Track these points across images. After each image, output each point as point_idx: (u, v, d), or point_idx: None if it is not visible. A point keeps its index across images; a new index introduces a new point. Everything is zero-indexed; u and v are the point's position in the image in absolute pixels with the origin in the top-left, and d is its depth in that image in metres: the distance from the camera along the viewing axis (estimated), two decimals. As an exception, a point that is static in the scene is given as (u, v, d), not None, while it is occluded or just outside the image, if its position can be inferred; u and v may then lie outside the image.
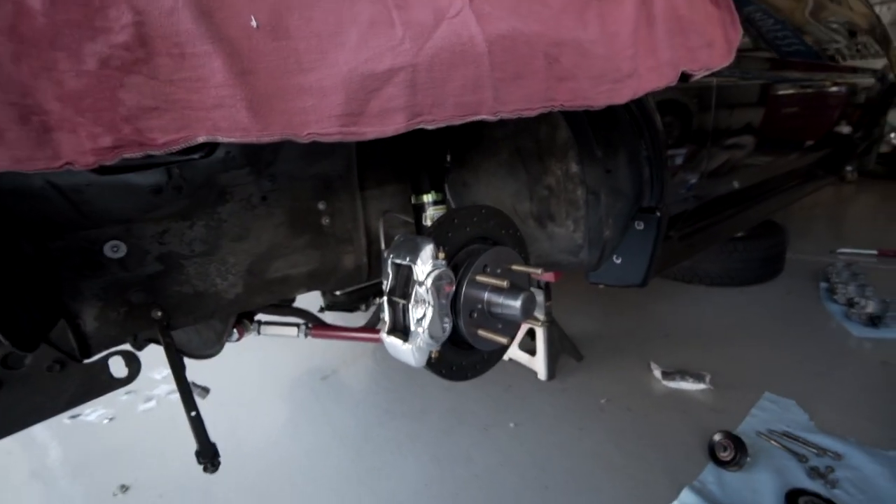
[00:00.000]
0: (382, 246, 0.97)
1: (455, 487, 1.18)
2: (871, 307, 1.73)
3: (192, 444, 1.43)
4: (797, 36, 1.66)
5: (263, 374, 1.85)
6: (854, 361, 1.56)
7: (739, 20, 1.05)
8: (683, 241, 1.30)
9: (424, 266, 0.74)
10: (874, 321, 1.71)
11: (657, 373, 1.54)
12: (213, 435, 0.79)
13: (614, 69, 0.74)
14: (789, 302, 2.04)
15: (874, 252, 2.44)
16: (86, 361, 0.78)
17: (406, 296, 0.76)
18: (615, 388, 1.52)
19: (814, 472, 1.09)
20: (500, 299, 0.82)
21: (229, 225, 0.89)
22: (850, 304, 1.84)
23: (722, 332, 1.82)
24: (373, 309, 1.24)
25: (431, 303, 0.74)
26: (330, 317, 1.27)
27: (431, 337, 0.75)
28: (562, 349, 1.68)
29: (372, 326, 1.12)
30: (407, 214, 1.03)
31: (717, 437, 1.17)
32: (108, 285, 0.78)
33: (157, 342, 0.88)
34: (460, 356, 0.88)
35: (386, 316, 0.80)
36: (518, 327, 0.92)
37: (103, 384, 0.80)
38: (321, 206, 1.00)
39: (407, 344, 0.76)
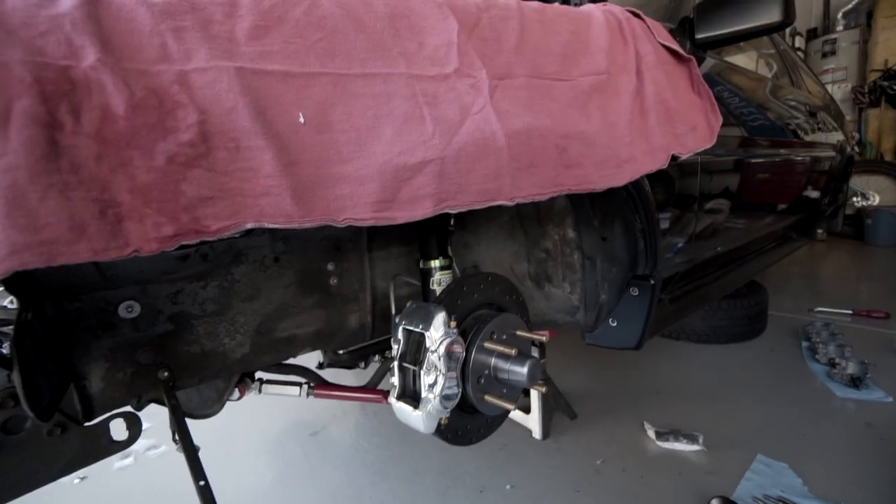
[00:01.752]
0: (393, 310, 0.99)
1: (452, 557, 1.14)
2: (851, 368, 1.80)
3: (177, 508, 1.35)
4: (761, 112, 1.82)
5: (250, 428, 1.78)
6: (840, 423, 1.59)
7: (718, 108, 1.17)
8: (674, 304, 1.35)
9: (437, 334, 0.76)
10: (855, 382, 1.77)
11: (651, 433, 1.54)
12: (196, 500, 0.76)
13: (614, 156, 0.81)
14: (774, 360, 2.10)
15: (849, 312, 2.55)
16: (87, 424, 0.77)
17: (417, 362, 0.78)
18: (610, 448, 1.52)
19: (811, 542, 1.09)
20: (506, 365, 0.84)
21: (242, 285, 0.90)
22: (832, 364, 1.90)
23: (711, 390, 1.85)
24: (374, 366, 1.24)
25: (443, 370, 0.76)
26: (327, 373, 1.27)
27: (442, 404, 0.77)
28: (556, 407, 1.67)
29: (373, 386, 1.12)
30: (413, 276, 1.06)
31: (714, 503, 1.17)
32: (117, 345, 0.78)
33: (160, 402, 0.87)
34: (465, 421, 0.89)
35: (396, 381, 0.81)
36: (521, 392, 0.94)
37: (103, 448, 0.78)
38: (330, 266, 1.04)
39: (417, 410, 0.77)
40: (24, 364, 0.53)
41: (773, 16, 1.24)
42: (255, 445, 1.69)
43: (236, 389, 1.00)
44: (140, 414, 0.84)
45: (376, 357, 1.27)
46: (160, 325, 0.82)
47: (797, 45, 5.45)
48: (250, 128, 0.49)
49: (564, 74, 0.81)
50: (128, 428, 0.81)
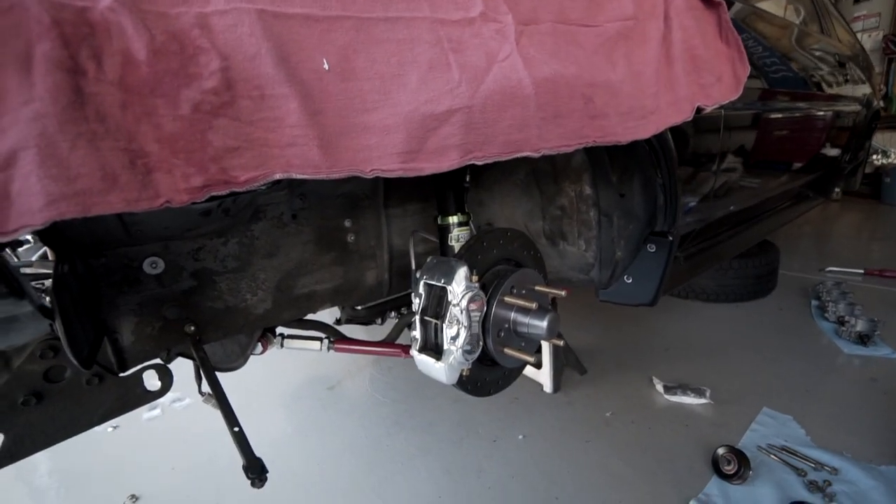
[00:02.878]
0: (412, 266, 1.00)
1: (468, 500, 1.21)
2: (860, 326, 1.81)
3: (200, 455, 1.43)
4: (784, 63, 1.73)
5: (268, 383, 1.85)
6: (845, 378, 1.62)
7: (746, 56, 1.11)
8: (689, 261, 1.35)
9: (459, 288, 0.77)
10: (863, 339, 1.78)
11: (659, 387, 1.59)
12: (221, 445, 0.80)
13: (640, 107, 0.79)
14: (782, 318, 2.11)
15: (861, 271, 2.53)
16: (121, 375, 0.80)
17: (439, 316, 0.79)
18: (619, 401, 1.56)
19: (812, 486, 1.14)
20: (526, 319, 0.85)
21: (261, 242, 0.91)
22: (841, 322, 1.91)
23: (720, 347, 1.88)
24: (391, 322, 1.26)
25: (465, 323, 0.78)
26: (344, 329, 1.30)
27: (464, 356, 0.78)
28: (566, 362, 1.71)
29: (392, 340, 1.14)
30: (430, 233, 1.06)
31: (720, 451, 1.22)
32: (144, 301, 0.79)
33: (188, 356, 0.90)
34: (485, 373, 0.91)
35: (418, 334, 0.83)
36: (539, 345, 0.96)
37: (138, 397, 0.81)
38: (347, 223, 1.03)
39: (440, 362, 0.79)
40: (64, 314, 0.54)
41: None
42: (273, 399, 1.75)
43: (259, 344, 1.02)
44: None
45: (393, 313, 1.29)
46: (184, 281, 0.83)
47: (826, -9, 5.11)
48: (274, 75, 0.47)
49: (590, 20, 0.77)
50: (160, 378, 0.85)
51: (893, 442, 1.29)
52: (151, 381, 0.86)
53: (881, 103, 4.24)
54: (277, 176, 0.49)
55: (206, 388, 1.00)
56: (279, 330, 1.09)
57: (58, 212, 0.38)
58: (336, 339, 1.09)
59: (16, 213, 0.37)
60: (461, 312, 0.78)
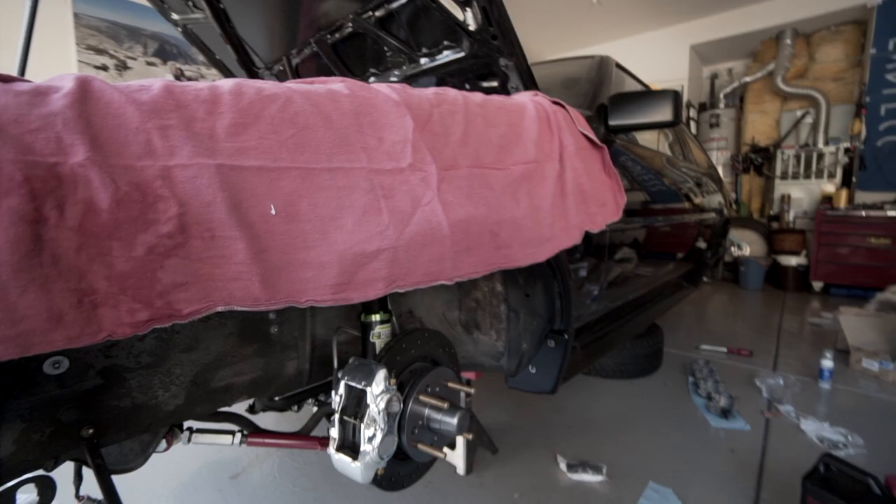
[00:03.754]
0: (335, 364, 1.04)
1: None
2: (722, 402, 2.13)
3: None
4: (658, 178, 2.15)
5: (159, 472, 1.66)
6: (713, 450, 1.88)
7: (622, 187, 1.39)
8: (585, 350, 1.54)
9: (378, 389, 0.84)
10: (725, 414, 2.09)
11: (562, 465, 1.70)
12: None
13: (538, 236, 0.96)
14: (666, 393, 2.41)
15: (724, 349, 3.00)
16: (-7, 490, 0.71)
17: (358, 416, 0.84)
18: (526, 480, 1.65)
19: (686, 559, 1.29)
20: (439, 416, 0.93)
21: (181, 336, 0.90)
22: (709, 397, 2.23)
23: (614, 423, 2.08)
24: (307, 409, 1.25)
25: (381, 425, 0.83)
26: (258, 415, 1.26)
27: (380, 455, 0.83)
28: (479, 442, 1.78)
29: (307, 432, 1.14)
30: (353, 327, 1.12)
31: (612, 531, 1.34)
32: (37, 404, 0.74)
33: (79, 461, 0.83)
34: (399, 467, 0.96)
35: (335, 434, 0.86)
36: (450, 439, 1.03)
37: (9, 517, 0.73)
38: (272, 315, 1.06)
39: (356, 462, 0.82)
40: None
41: (666, 116, 1.52)
42: (166, 492, 1.58)
43: (164, 440, 0.97)
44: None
45: (311, 400, 1.29)
46: (89, 380, 0.79)
47: (692, 115, 6.38)
48: (226, 219, 0.54)
49: (500, 163, 0.95)
50: (39, 493, 0.77)
51: (747, 510, 1.50)
52: (27, 495, 0.77)
53: (734, 207, 5.25)
54: (219, 308, 0.54)
55: (85, 491, 0.92)
56: (187, 423, 1.05)
57: None
58: (250, 431, 1.06)
59: None
60: (379, 414, 0.83)
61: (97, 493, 1.05)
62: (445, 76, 1.57)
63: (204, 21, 2.04)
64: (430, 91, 0.92)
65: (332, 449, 0.86)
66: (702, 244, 2.94)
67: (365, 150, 0.71)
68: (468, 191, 0.83)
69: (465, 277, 0.79)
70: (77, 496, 0.94)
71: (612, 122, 1.58)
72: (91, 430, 0.79)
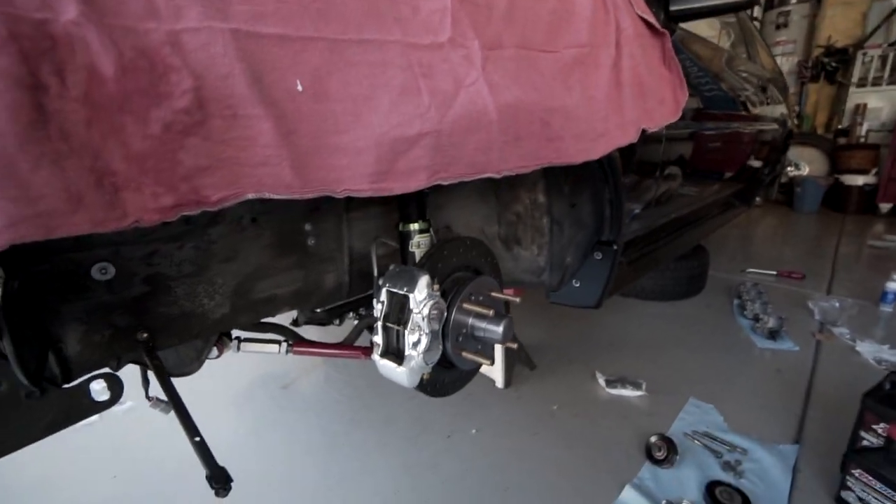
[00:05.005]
0: (375, 272, 1.02)
1: (424, 494, 1.26)
2: (771, 323, 2.04)
3: (145, 462, 1.37)
4: (716, 83, 1.90)
5: (220, 382, 1.79)
6: (757, 369, 1.83)
7: (686, 83, 1.22)
8: (631, 266, 1.46)
9: (420, 296, 0.80)
10: (773, 335, 2.02)
11: (601, 381, 1.71)
12: (175, 448, 0.79)
13: (591, 129, 0.85)
14: (709, 315, 2.34)
15: (774, 273, 2.84)
16: (65, 386, 0.76)
17: (401, 322, 0.82)
18: (565, 395, 1.67)
19: (726, 466, 1.30)
20: (483, 324, 0.90)
21: (219, 246, 0.89)
22: (756, 319, 2.15)
23: (654, 343, 2.05)
24: (349, 322, 1.27)
25: (426, 330, 0.81)
26: (301, 329, 1.29)
27: (425, 360, 0.82)
28: (517, 358, 1.80)
29: (350, 343, 1.15)
30: (391, 238, 1.08)
31: (652, 439, 1.35)
32: (92, 308, 0.76)
33: (140, 363, 0.87)
34: (443, 375, 0.95)
35: (379, 340, 0.85)
36: (494, 348, 1.01)
37: (84, 408, 0.78)
38: (308, 227, 1.03)
39: (402, 367, 0.82)
40: (14, 333, 0.52)
41: (740, -3, 1.28)
42: (225, 399, 1.71)
43: (214, 348, 1.00)
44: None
45: (351, 314, 1.30)
46: (136, 287, 0.80)
47: (755, 14, 5.58)
48: (247, 95, 0.48)
49: (550, 46, 0.82)
50: (109, 388, 0.81)
51: (790, 424, 1.48)
52: (99, 389, 0.82)
53: (795, 122, 4.74)
54: (250, 195, 0.49)
55: (153, 392, 0.98)
56: (235, 333, 1.07)
57: (18, 234, 0.37)
58: (294, 341, 1.08)
59: None
60: (423, 320, 0.81)
61: (155, 391, 1.13)
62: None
63: None
64: None
65: (376, 355, 0.85)
66: (757, 160, 2.67)
67: (398, 22, 0.61)
68: (515, 73, 0.72)
69: (513, 171, 0.71)
70: (147, 397, 1.00)
71: (674, 7, 1.35)
72: (145, 335, 0.81)
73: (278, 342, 1.07)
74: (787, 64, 5.54)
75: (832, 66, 5.11)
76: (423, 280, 0.81)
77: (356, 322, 1.21)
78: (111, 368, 0.83)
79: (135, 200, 0.43)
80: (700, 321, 2.27)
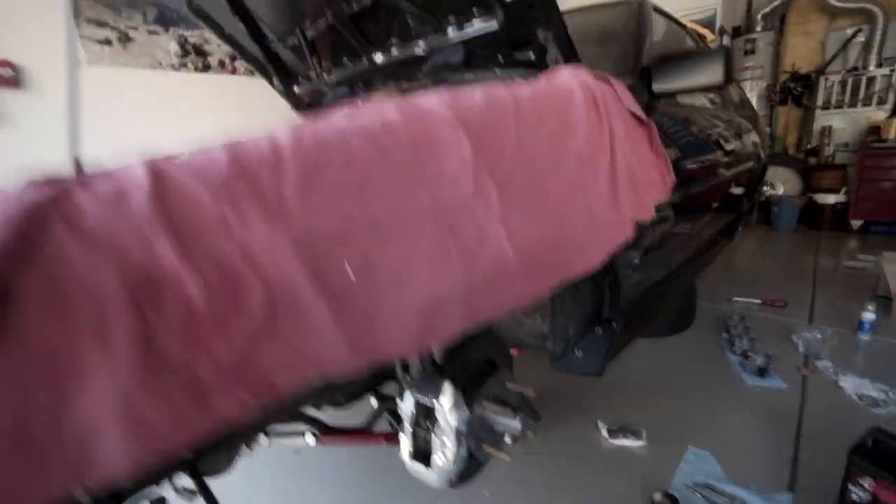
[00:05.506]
0: (398, 371, 1.08)
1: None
2: (759, 361, 2.15)
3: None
4: (686, 127, 2.00)
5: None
6: (748, 410, 1.92)
7: (670, 163, 1.33)
8: (628, 329, 1.55)
9: (447, 405, 0.87)
10: (761, 372, 2.12)
11: (604, 431, 1.78)
12: None
13: (594, 240, 0.94)
14: (700, 350, 2.44)
15: (758, 301, 2.98)
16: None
17: (428, 428, 0.89)
18: (570, 448, 1.74)
19: (728, 520, 1.37)
20: (503, 420, 0.97)
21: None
22: (745, 355, 2.25)
23: (649, 384, 2.14)
24: (370, 408, 1.31)
25: (452, 434, 0.88)
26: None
27: (453, 464, 0.88)
28: (523, 409, 1.86)
29: (370, 427, 1.21)
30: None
31: (657, 497, 1.42)
32: None
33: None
34: (464, 465, 1.02)
35: (407, 442, 0.91)
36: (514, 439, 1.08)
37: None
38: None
39: (430, 470, 0.88)
40: None
41: (716, 77, 1.40)
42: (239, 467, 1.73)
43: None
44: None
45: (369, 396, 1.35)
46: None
47: (725, 42, 5.88)
48: (310, 291, 0.55)
49: (553, 167, 0.90)
50: (153, 506, 0.85)
51: (783, 470, 1.57)
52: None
53: (769, 145, 4.96)
54: (313, 377, 0.56)
55: (181, 483, 1.02)
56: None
57: (135, 463, 0.43)
58: (322, 432, 1.13)
59: (98, 466, 0.42)
60: (448, 426, 0.88)
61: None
62: (476, 48, 1.46)
63: (211, -5, 1.92)
64: (479, 94, 0.86)
65: (405, 456, 0.91)
66: (740, 197, 2.82)
67: (426, 186, 0.68)
68: (528, 209, 0.80)
69: (533, 298, 0.79)
70: (175, 489, 1.04)
71: (656, 88, 1.47)
72: (190, 455, 0.86)
73: (307, 434, 1.12)
74: (756, 87, 5.83)
75: (797, 90, 5.40)
76: (449, 389, 0.88)
77: (374, 404, 1.27)
78: (155, 484, 0.87)
79: (222, 405, 0.49)
80: (691, 359, 2.37)
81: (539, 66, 1.30)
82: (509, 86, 0.93)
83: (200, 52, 4.05)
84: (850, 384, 2.01)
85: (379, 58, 1.77)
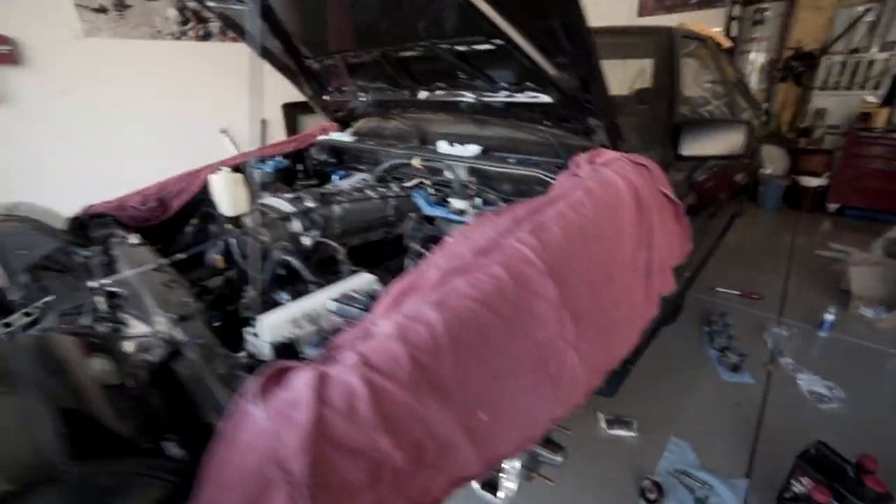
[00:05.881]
0: None
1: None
2: (733, 358, 2.52)
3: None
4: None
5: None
6: (721, 403, 2.31)
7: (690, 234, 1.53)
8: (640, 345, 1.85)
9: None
10: (735, 368, 2.50)
11: (602, 422, 2.15)
12: None
13: (635, 329, 1.18)
14: (686, 344, 2.80)
15: (738, 293, 3.33)
16: None
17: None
18: (574, 436, 2.10)
19: (698, 502, 1.77)
20: (548, 455, 1.27)
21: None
22: (723, 351, 2.62)
23: (640, 377, 2.50)
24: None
25: (516, 472, 1.17)
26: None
27: (514, 493, 1.19)
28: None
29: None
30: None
31: (645, 483, 1.80)
32: None
33: None
34: (514, 485, 1.33)
35: (478, 476, 1.20)
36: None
37: None
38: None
39: (498, 499, 1.18)
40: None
41: (736, 148, 1.58)
42: None
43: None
44: None
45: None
46: None
47: (736, 13, 5.76)
48: (462, 439, 0.76)
49: (607, 280, 1.10)
50: None
51: (742, 459, 1.97)
52: None
53: (764, 119, 5.07)
54: (459, 487, 0.81)
55: None
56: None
57: None
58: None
59: None
60: (514, 468, 1.17)
61: None
62: (523, 112, 1.58)
63: (246, 11, 1.91)
64: (557, 227, 1.01)
65: (476, 486, 1.21)
66: (743, 183, 3.02)
67: (525, 331, 0.89)
68: (592, 328, 1.02)
69: (591, 392, 1.04)
70: None
71: (683, 153, 1.64)
72: None
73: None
74: (759, 61, 5.83)
75: (799, 69, 5.45)
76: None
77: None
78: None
79: None
80: (675, 351, 2.73)
81: (585, 141, 1.45)
82: (575, 203, 1.10)
83: (201, 19, 3.87)
84: (805, 381, 2.40)
85: (422, 94, 1.86)
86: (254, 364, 0.89)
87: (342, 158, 2.32)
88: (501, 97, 1.57)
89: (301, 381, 0.68)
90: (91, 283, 1.40)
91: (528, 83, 1.46)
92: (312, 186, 2.22)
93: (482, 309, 0.83)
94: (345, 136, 2.35)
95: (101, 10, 3.28)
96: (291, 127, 4.35)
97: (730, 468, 1.93)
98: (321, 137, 2.40)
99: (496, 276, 0.88)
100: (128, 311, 1.28)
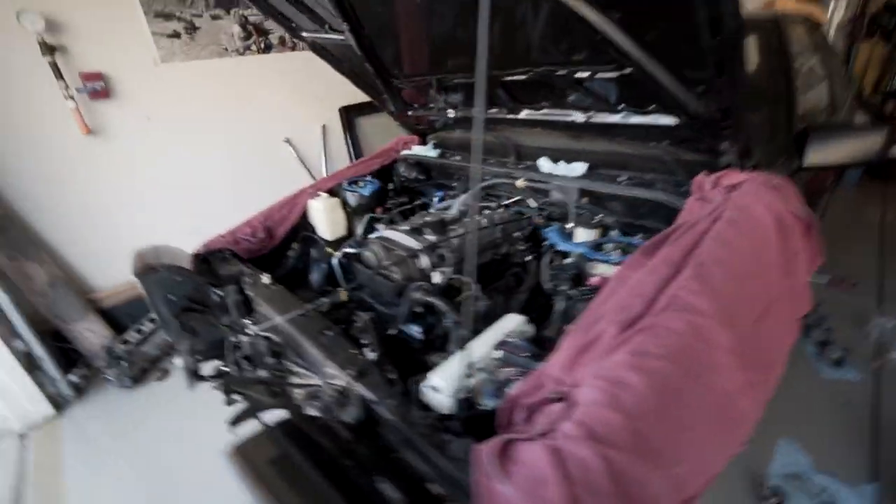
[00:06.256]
0: None
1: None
2: (835, 353, 2.44)
3: None
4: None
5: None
6: (826, 402, 2.25)
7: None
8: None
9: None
10: (838, 364, 2.42)
11: (706, 425, 2.16)
12: None
13: (785, 359, 1.18)
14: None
15: (826, 280, 3.16)
16: None
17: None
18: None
19: (820, 509, 1.78)
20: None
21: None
22: (821, 346, 2.54)
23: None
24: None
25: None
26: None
27: None
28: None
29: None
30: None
31: (766, 491, 1.81)
32: None
33: None
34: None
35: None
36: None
37: None
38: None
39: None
40: None
41: (871, 155, 1.50)
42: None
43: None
44: None
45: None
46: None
47: (810, -35, 5.24)
48: (665, 496, 0.82)
49: (764, 315, 1.10)
50: None
51: (865, 462, 1.94)
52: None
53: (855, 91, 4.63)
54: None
55: None
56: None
57: None
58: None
59: None
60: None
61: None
62: (638, 131, 1.54)
63: (340, 42, 1.95)
64: (716, 268, 1.02)
65: None
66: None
67: (707, 384, 0.92)
68: (761, 371, 1.03)
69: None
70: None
71: (810, 163, 1.57)
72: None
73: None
74: (838, 16, 5.31)
75: (892, 23, 4.93)
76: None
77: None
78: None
79: None
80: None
81: (710, 164, 1.41)
82: (725, 239, 1.09)
83: (262, 32, 3.97)
84: (920, 377, 2.30)
85: (524, 113, 1.85)
86: (445, 422, 0.96)
87: (430, 174, 2.36)
88: (617, 119, 1.54)
89: (538, 457, 0.74)
90: (250, 328, 1.52)
91: (652, 106, 1.43)
92: (405, 205, 2.29)
93: (673, 368, 0.87)
94: (430, 151, 2.38)
95: (175, 35, 3.43)
96: (350, 130, 4.43)
97: (849, 472, 1.90)
98: (405, 152, 2.44)
99: (677, 331, 0.91)
100: (290, 358, 1.39)
